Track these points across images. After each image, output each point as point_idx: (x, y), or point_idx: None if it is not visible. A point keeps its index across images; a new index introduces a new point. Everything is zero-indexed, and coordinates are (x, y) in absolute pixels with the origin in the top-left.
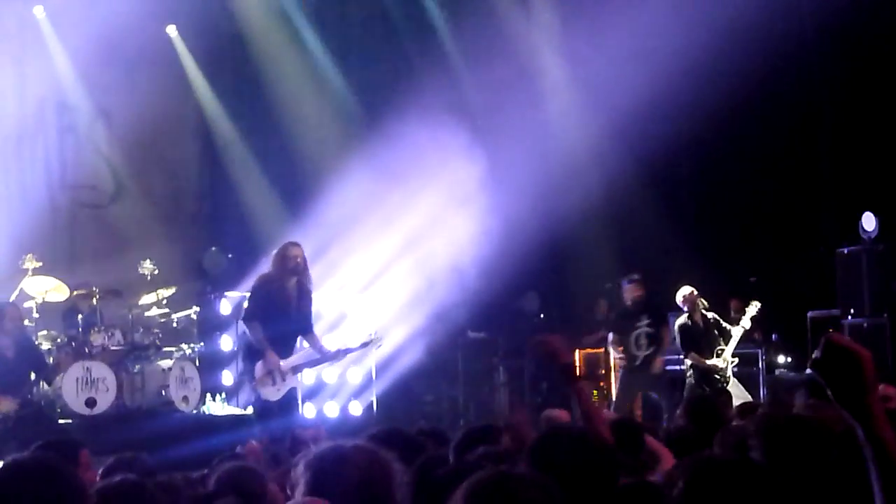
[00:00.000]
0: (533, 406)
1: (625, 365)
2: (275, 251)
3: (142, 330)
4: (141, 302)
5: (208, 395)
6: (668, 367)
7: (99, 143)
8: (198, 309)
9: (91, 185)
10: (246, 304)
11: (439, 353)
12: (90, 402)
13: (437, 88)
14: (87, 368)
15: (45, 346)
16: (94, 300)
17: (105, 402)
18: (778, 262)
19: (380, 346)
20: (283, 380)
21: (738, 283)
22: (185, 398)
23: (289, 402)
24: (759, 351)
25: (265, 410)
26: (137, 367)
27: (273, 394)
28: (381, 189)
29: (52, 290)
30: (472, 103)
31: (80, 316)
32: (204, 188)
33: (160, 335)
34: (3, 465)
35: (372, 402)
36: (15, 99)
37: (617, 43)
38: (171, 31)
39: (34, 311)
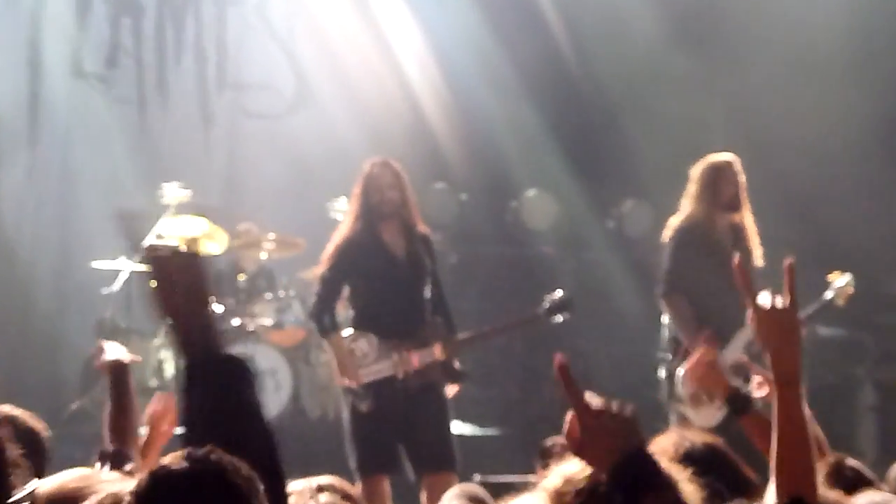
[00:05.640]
0: None
1: None
2: (699, 174)
3: None
4: None
5: None
6: None
7: (275, 23)
8: None
9: (262, 85)
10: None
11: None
12: None
13: None
14: (250, 356)
15: None
16: (265, 255)
17: (276, 405)
18: None
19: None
20: None
21: None
22: None
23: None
24: None
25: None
26: (324, 356)
27: (710, 417)
28: None
29: (204, 237)
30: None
31: (242, 276)
32: (431, 105)
33: None
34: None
35: None
36: None
37: None
38: None
39: None
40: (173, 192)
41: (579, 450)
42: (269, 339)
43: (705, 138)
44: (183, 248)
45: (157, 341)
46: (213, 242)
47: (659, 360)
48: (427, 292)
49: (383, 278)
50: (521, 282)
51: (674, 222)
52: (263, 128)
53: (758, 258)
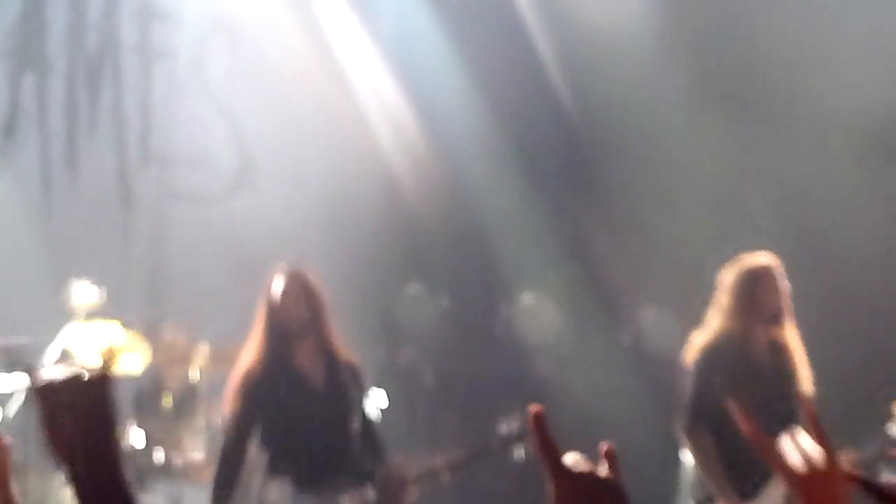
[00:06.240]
0: None
1: None
2: (732, 281)
3: None
4: None
5: None
6: None
7: (212, 82)
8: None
9: (195, 160)
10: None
11: None
12: None
13: None
14: (176, 497)
15: None
16: (196, 371)
17: None
18: None
19: None
20: None
21: None
22: None
23: None
24: None
25: None
26: None
27: None
28: None
29: (122, 348)
30: None
31: (167, 399)
32: (407, 187)
33: None
34: None
35: None
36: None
37: None
38: None
39: None
40: (84, 292)
41: None
42: (199, 477)
43: (740, 226)
44: (87, 370)
45: (59, 478)
46: (131, 356)
47: None
48: (354, 426)
49: (298, 412)
50: (513, 410)
51: (699, 341)
52: (196, 212)
53: (806, 383)
